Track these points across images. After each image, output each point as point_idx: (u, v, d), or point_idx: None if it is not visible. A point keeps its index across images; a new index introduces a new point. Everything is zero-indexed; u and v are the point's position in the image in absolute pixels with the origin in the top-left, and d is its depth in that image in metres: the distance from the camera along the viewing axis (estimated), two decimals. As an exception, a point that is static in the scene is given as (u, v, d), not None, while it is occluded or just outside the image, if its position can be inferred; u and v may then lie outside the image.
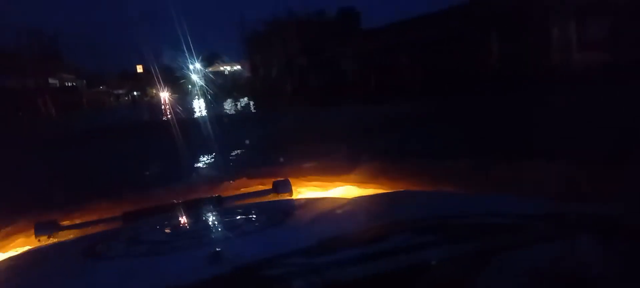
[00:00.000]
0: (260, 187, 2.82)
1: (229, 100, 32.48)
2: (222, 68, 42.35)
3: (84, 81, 42.54)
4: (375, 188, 2.93)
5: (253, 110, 25.58)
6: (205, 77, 40.39)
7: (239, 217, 1.88)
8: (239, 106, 29.95)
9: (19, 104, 24.98)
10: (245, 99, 31.13)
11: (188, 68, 39.21)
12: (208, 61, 41.36)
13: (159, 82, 36.32)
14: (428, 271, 1.11)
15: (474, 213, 1.62)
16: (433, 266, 1.14)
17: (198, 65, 39.62)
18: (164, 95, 34.51)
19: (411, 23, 21.10)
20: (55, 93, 33.36)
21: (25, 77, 28.99)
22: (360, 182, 3.13)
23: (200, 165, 8.47)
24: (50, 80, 37.06)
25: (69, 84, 39.86)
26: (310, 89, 21.66)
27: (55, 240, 2.00)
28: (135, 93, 45.44)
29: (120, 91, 49.06)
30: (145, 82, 38.55)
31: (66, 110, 28.83)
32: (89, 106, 35.53)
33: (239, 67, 39.62)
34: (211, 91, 35.47)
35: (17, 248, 2.29)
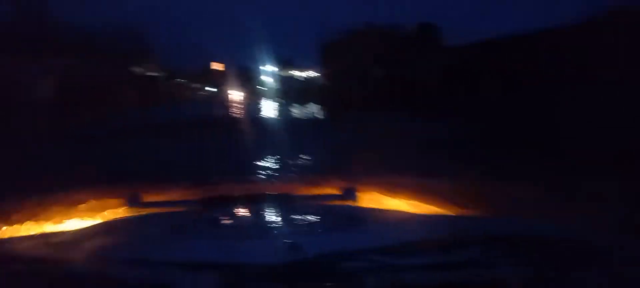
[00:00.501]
0: (328, 191, 2.90)
1: (300, 104, 32.67)
2: (295, 72, 42.72)
3: (166, 73, 44.66)
4: (445, 210, 2.82)
5: (324, 116, 25.54)
6: (279, 80, 40.95)
7: (311, 216, 1.96)
8: (310, 111, 29.95)
9: (101, 90, 26.51)
10: (316, 104, 31.06)
11: (263, 70, 40.05)
12: (283, 64, 41.99)
13: (234, 81, 37.44)
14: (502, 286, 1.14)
15: (549, 235, 1.56)
16: (507, 282, 1.17)
17: (273, 68, 40.38)
18: (237, 94, 35.56)
19: (499, 44, 19.67)
20: (137, 82, 35.05)
21: (113, 66, 30.79)
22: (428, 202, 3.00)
23: (269, 163, 8.51)
24: (135, 70, 39.09)
25: (151, 74, 41.93)
26: (384, 100, 20.90)
27: (142, 212, 2.16)
28: (210, 88, 47.10)
29: (197, 85, 51.03)
30: (220, 79, 39.68)
31: (145, 99, 30.15)
32: (166, 96, 37.04)
33: (312, 73, 39.75)
34: (284, 94, 35.81)
35: (106, 215, 2.51)
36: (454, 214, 2.63)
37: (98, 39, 31.14)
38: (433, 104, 19.57)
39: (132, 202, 2.26)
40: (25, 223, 2.46)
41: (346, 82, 23.48)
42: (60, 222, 2.54)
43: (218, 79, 41.33)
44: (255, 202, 2.19)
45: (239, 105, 29.57)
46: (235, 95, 35.38)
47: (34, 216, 2.53)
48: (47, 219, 2.48)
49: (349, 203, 2.49)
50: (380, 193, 3.16)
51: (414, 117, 16.78)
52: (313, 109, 30.48)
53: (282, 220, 1.97)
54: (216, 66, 43.44)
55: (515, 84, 17.06)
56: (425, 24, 24.66)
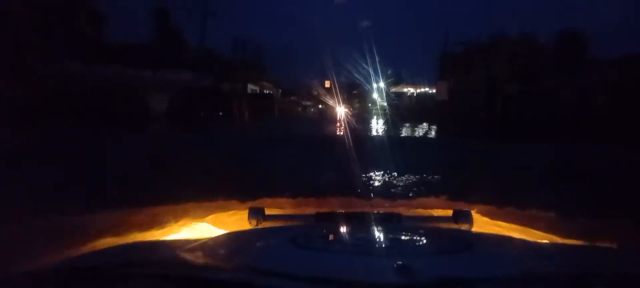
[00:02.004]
0: (440, 213, 2.73)
1: (411, 124, 31.20)
2: (407, 89, 41.11)
3: (279, 90, 46.32)
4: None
5: (438, 137, 23.58)
6: (389, 97, 39.73)
7: (421, 238, 1.90)
8: (422, 131, 28.40)
9: (222, 104, 27.77)
10: (430, 124, 29.15)
11: (372, 87, 39.30)
12: (393, 81, 40.73)
13: (343, 98, 37.20)
14: None
15: None
16: None
17: (382, 85, 39.35)
18: (346, 111, 35.19)
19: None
20: (254, 99, 36.51)
21: (232, 81, 32.34)
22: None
23: (374, 182, 8.38)
24: (251, 87, 41.15)
25: (267, 92, 43.70)
26: (514, 121, 18.30)
27: (262, 225, 2.24)
28: (320, 106, 47.70)
29: (308, 103, 52.14)
30: (330, 96, 39.81)
31: (261, 114, 31.10)
32: (279, 113, 38.11)
33: (426, 89, 37.84)
34: (395, 112, 34.65)
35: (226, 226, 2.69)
36: (583, 244, 2.31)
37: (222, 57, 33.50)
38: (580, 129, 16.68)
39: (257, 214, 2.31)
40: (152, 231, 2.63)
41: (468, 98, 21.20)
42: (182, 229, 2.73)
43: (328, 97, 41.52)
44: (367, 220, 2.23)
45: (346, 122, 29.23)
46: (344, 112, 35.19)
47: (165, 224, 2.73)
48: (176, 226, 2.74)
49: (463, 226, 2.31)
50: (495, 220, 2.91)
51: (554, 141, 14.33)
52: (426, 129, 28.84)
53: (394, 239, 1.89)
54: (327, 84, 43.76)
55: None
56: (568, 33, 21.31)
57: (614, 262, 1.62)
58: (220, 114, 26.63)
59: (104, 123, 15.22)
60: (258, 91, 42.21)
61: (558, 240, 2.50)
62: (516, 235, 2.55)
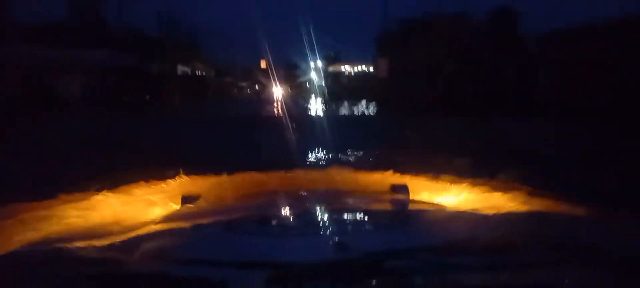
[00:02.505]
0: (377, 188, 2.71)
1: (349, 102, 30.96)
2: (344, 68, 40.69)
3: (213, 72, 44.14)
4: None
5: (376, 115, 23.47)
6: (328, 76, 39.13)
7: (359, 214, 1.91)
8: (360, 109, 28.27)
9: (148, 87, 25.56)
10: (368, 102, 28.97)
11: (310, 66, 38.53)
12: (332, 60, 40.12)
13: (281, 78, 36.19)
14: None
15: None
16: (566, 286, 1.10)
17: (320, 64, 38.66)
18: (283, 91, 34.33)
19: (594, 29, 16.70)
20: (185, 80, 34.43)
21: (161, 62, 29.98)
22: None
23: (316, 159, 8.67)
24: (183, 68, 38.78)
25: (199, 73, 41.42)
26: (453, 99, 18.29)
27: (195, 209, 2.10)
28: (257, 86, 46.17)
29: (244, 84, 50.39)
30: (267, 77, 38.60)
31: (193, 97, 29.26)
32: (213, 95, 36.27)
33: (363, 68, 37.60)
34: (333, 91, 34.18)
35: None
36: (514, 211, 2.24)
37: (148, 37, 30.85)
38: (515, 105, 16.90)
39: (186, 201, 2.17)
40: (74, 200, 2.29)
41: (406, 76, 20.92)
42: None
43: (264, 77, 40.25)
44: (303, 199, 2.19)
45: (284, 103, 28.77)
46: (281, 92, 34.46)
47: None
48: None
49: (399, 198, 2.27)
50: (432, 191, 2.82)
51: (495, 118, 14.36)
52: (364, 107, 28.71)
53: (330, 217, 1.85)
54: (263, 64, 42.27)
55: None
56: (502, 10, 21.52)
57: (535, 226, 1.61)
58: (147, 97, 24.39)
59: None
60: (190, 72, 39.99)
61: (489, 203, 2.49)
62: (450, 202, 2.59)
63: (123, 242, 1.46)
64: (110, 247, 1.42)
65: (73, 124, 12.94)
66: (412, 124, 12.96)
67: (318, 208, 2.00)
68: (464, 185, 2.65)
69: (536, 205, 2.27)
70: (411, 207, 2.23)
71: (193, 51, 39.57)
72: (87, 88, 21.05)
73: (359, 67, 38.65)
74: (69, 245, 1.43)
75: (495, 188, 2.53)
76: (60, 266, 1.23)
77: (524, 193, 2.43)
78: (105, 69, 22.21)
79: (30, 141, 8.96)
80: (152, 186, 2.58)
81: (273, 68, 32.89)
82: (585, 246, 1.33)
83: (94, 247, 1.43)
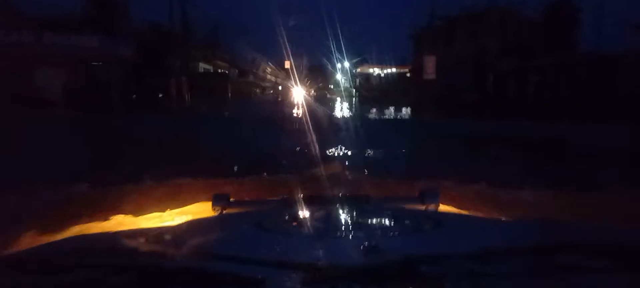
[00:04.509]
0: (407, 194, 2.73)
1: (380, 104, 29.05)
2: (373, 69, 38.35)
3: (236, 71, 42.71)
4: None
5: (411, 119, 21.44)
6: (356, 78, 36.89)
7: (390, 218, 1.90)
8: (392, 113, 26.24)
9: (161, 84, 23.67)
10: (401, 105, 26.85)
11: (337, 68, 36.47)
12: (360, 61, 37.84)
13: (306, 79, 34.35)
14: None
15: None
16: None
17: (348, 65, 36.47)
18: (305, 93, 32.76)
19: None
20: (203, 78, 32.93)
21: (178, 58, 28.26)
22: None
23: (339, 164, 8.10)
24: (204, 65, 37.54)
25: (221, 71, 40.00)
26: (509, 100, 15.73)
27: (227, 211, 2.19)
28: (280, 87, 44.51)
29: (267, 84, 48.91)
30: (292, 78, 36.77)
31: (210, 96, 27.44)
32: (233, 94, 34.62)
33: (393, 69, 35.15)
34: (362, 93, 32.06)
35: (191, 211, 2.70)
36: (549, 218, 2.26)
37: (167, 32, 29.23)
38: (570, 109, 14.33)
39: (221, 200, 2.17)
40: (113, 218, 2.52)
41: (445, 77, 18.30)
42: (150, 215, 2.67)
43: (289, 77, 38.46)
44: (335, 202, 2.13)
45: (309, 105, 27.38)
46: (306, 93, 32.88)
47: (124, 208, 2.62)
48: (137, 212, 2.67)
49: (430, 206, 2.21)
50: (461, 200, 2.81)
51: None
52: (395, 110, 26.58)
53: (361, 221, 1.84)
54: (287, 64, 40.52)
55: None
56: (558, 3, 18.56)
57: (573, 233, 1.65)
58: (160, 95, 22.43)
59: None
60: (211, 70, 38.58)
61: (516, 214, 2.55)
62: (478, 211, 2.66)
63: (157, 235, 1.54)
64: (150, 238, 1.49)
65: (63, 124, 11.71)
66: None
67: (348, 210, 1.98)
68: None
69: None
70: (441, 211, 2.25)
71: (215, 49, 38.15)
72: (70, 85, 18.18)
73: (389, 69, 36.17)
74: (118, 236, 1.56)
75: None
76: (105, 256, 1.31)
77: None
78: (99, 62, 19.75)
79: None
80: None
81: (298, 68, 31.24)
82: (628, 252, 1.32)
83: (136, 238, 1.50)
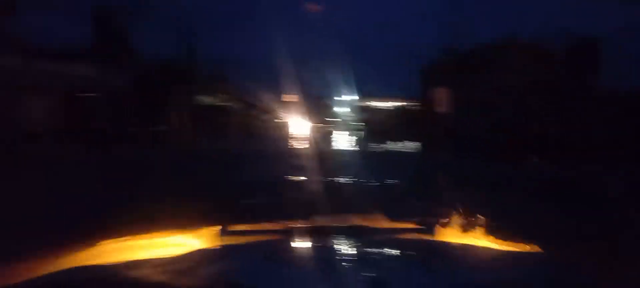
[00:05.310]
0: (407, 225, 2.71)
1: (384, 139, 28.13)
2: (378, 103, 37.53)
3: (241, 104, 42.09)
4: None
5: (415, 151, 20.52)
6: (360, 111, 36.06)
7: (391, 250, 1.96)
8: (399, 146, 25.41)
9: (158, 117, 22.67)
10: (411, 140, 25.91)
11: (340, 100, 35.72)
12: (364, 94, 37.05)
13: (312, 112, 33.65)
14: None
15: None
16: None
17: (355, 98, 35.70)
18: (311, 125, 32.16)
19: None
20: (204, 111, 32.20)
21: (186, 93, 27.49)
22: None
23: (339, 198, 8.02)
24: (207, 99, 36.98)
25: (224, 104, 39.33)
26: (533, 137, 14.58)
27: (234, 241, 2.17)
28: (287, 121, 43.93)
29: (273, 117, 48.31)
30: (294, 110, 36.09)
31: (211, 130, 26.54)
32: (236, 128, 33.84)
33: (403, 103, 34.22)
34: (368, 127, 31.41)
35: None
36: (549, 253, 2.21)
37: (174, 67, 28.52)
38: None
39: (225, 232, 2.17)
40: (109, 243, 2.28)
41: (458, 112, 17.17)
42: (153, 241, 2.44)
43: (292, 110, 37.78)
44: (336, 234, 2.13)
45: (315, 139, 26.96)
46: (309, 126, 32.46)
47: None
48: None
49: (429, 237, 2.28)
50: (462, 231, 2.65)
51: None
52: (402, 144, 25.75)
53: (368, 254, 1.87)
54: (291, 97, 39.88)
55: None
56: (585, 39, 17.39)
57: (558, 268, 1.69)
58: (152, 130, 21.19)
59: None
60: (216, 104, 37.91)
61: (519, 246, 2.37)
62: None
63: (163, 264, 1.50)
64: (155, 267, 1.46)
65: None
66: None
67: (354, 242, 1.98)
68: None
69: None
70: (443, 242, 2.26)
71: (220, 82, 37.62)
72: (52, 116, 16.90)
73: (399, 102, 35.25)
74: (125, 267, 1.50)
75: None
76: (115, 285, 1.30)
77: None
78: (105, 91, 18.66)
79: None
80: None
81: (304, 102, 30.65)
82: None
83: (149, 267, 1.47)
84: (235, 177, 10.28)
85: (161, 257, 1.66)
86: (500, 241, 2.51)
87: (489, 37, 19.53)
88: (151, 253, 2.07)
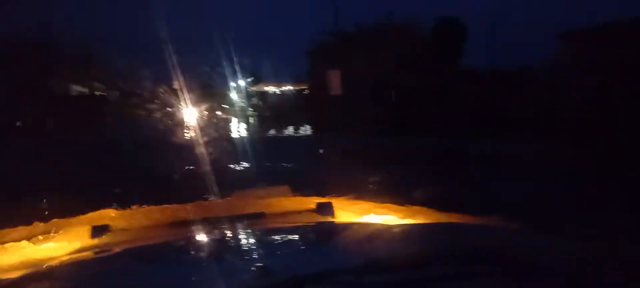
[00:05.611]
0: (303, 207, 2.81)
1: (277, 124, 28.20)
2: (271, 87, 37.38)
3: (118, 92, 38.70)
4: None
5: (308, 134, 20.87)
6: (251, 96, 35.52)
7: (283, 235, 1.91)
8: (288, 130, 25.71)
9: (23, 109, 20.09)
10: (300, 124, 26.26)
11: (231, 86, 34.87)
12: (255, 79, 36.54)
13: (197, 99, 32.24)
14: None
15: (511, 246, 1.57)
16: None
17: (242, 83, 35.02)
18: (197, 113, 30.91)
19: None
20: (76, 102, 29.20)
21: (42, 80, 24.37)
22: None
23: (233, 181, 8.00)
24: (78, 88, 33.53)
25: (98, 93, 35.87)
26: (385, 116, 15.77)
27: (107, 240, 2.07)
28: (169, 108, 41.34)
29: (154, 106, 45.20)
30: (181, 98, 34.15)
31: (85, 121, 24.11)
32: (115, 118, 31.19)
33: (290, 87, 34.44)
34: (258, 112, 31.16)
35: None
36: (435, 222, 2.36)
37: (39, 49, 24.98)
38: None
39: (97, 232, 2.06)
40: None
41: (356, 93, 17.89)
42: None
43: (177, 97, 35.72)
44: (225, 222, 2.13)
45: (201, 125, 26.04)
46: (198, 114, 30.98)
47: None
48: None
49: (327, 218, 2.32)
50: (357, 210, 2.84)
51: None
52: (293, 129, 26.14)
53: (254, 240, 1.83)
54: (175, 84, 37.67)
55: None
56: (447, 21, 19.25)
57: (460, 238, 1.64)
58: (17, 124, 19.02)
59: None
60: (88, 92, 34.38)
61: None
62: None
63: (24, 278, 1.37)
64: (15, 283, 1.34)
65: None
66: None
67: (239, 232, 1.91)
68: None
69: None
70: (335, 223, 2.20)
71: (88, 67, 34.09)
72: None
73: (284, 86, 35.42)
74: None
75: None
76: None
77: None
78: None
79: None
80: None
81: (188, 88, 29.06)
82: (499, 256, 1.36)
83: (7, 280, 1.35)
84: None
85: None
86: (396, 212, 2.64)
87: (371, 18, 20.62)
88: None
